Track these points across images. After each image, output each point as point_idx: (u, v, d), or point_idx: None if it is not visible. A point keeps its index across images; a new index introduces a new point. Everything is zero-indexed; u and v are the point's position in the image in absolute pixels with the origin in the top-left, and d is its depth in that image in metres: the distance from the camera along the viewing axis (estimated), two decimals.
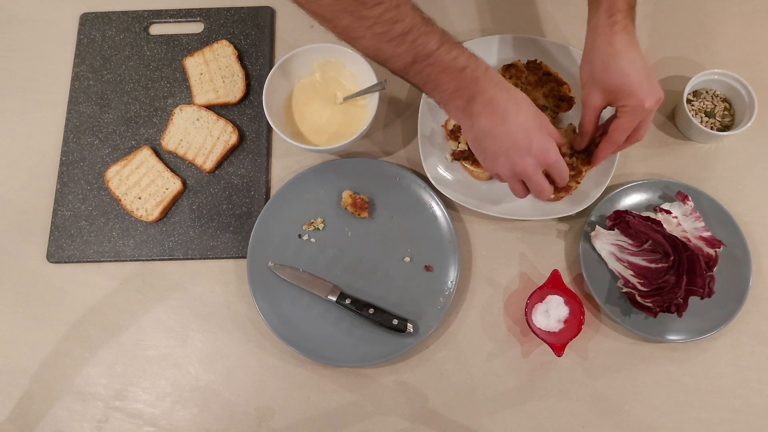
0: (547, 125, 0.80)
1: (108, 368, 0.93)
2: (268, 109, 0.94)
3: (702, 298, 0.85)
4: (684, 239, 0.88)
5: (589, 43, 0.85)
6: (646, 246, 0.88)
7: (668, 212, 0.91)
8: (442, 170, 0.97)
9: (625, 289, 0.89)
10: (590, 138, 0.90)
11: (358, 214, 0.95)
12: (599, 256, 0.92)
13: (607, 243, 0.91)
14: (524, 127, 0.77)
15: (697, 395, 0.88)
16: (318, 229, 0.95)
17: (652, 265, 0.87)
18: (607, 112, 0.90)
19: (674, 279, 0.85)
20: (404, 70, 0.78)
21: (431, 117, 0.99)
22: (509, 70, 0.99)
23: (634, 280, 0.87)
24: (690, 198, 0.92)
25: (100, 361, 0.93)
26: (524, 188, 0.84)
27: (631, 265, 0.88)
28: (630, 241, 0.90)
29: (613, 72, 0.81)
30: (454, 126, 0.96)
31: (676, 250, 0.85)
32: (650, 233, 0.88)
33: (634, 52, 0.81)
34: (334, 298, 0.91)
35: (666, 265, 0.85)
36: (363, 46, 0.77)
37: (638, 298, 0.87)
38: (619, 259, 0.90)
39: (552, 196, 0.89)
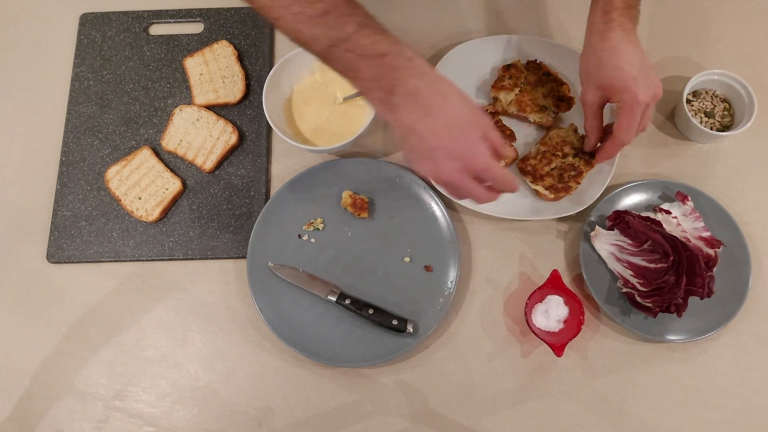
0: (483, 124, 0.72)
1: (108, 368, 0.93)
2: (268, 109, 0.94)
3: (702, 298, 0.85)
4: (684, 239, 0.88)
5: (586, 41, 0.85)
6: (645, 246, 0.88)
7: (668, 212, 0.91)
8: None
9: (624, 290, 0.89)
10: (597, 137, 0.90)
11: (358, 215, 0.95)
12: (599, 256, 0.92)
13: (606, 243, 0.91)
14: (451, 125, 0.69)
15: (697, 395, 0.88)
16: (318, 229, 0.96)
17: (652, 266, 0.87)
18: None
19: (674, 279, 0.85)
20: (324, 55, 0.72)
21: None
22: (509, 70, 0.99)
23: (634, 280, 0.87)
24: (689, 198, 0.92)
25: (100, 361, 0.93)
26: (458, 193, 0.75)
27: (631, 266, 0.88)
28: (629, 241, 0.90)
29: (607, 68, 0.82)
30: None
31: (675, 250, 0.85)
32: (650, 233, 0.88)
33: (629, 48, 0.81)
34: (334, 298, 0.91)
35: (665, 265, 0.85)
36: (284, 29, 0.72)
37: (638, 299, 0.87)
38: (618, 260, 0.90)
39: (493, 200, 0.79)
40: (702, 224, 0.91)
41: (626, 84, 0.80)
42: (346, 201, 0.95)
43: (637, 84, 0.80)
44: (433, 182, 0.77)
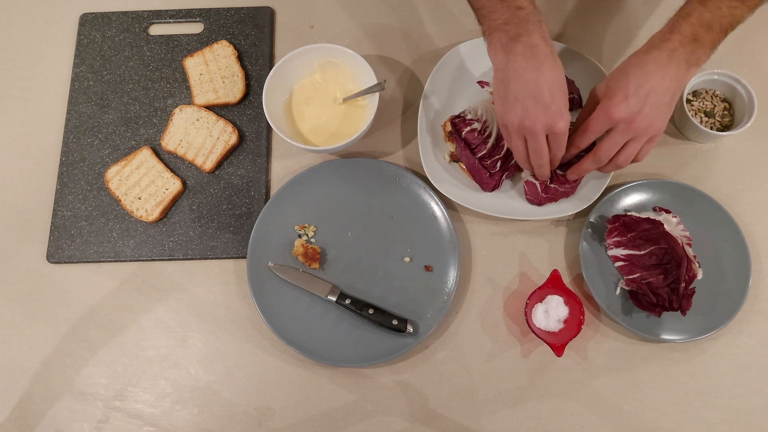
0: (566, 101, 0.79)
1: (108, 368, 0.93)
2: (268, 109, 0.94)
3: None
4: (685, 237, 0.89)
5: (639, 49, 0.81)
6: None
7: (668, 212, 0.91)
8: (441, 170, 0.97)
9: (629, 288, 0.89)
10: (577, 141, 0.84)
11: (309, 265, 0.93)
12: (599, 255, 0.92)
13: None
14: (553, 85, 0.77)
15: (697, 395, 0.88)
16: (308, 235, 0.95)
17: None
18: None
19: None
20: None
21: (431, 118, 0.99)
22: None
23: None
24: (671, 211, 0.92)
25: (100, 361, 0.93)
26: (524, 148, 0.83)
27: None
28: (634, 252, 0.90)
29: (619, 72, 0.79)
30: (452, 128, 0.96)
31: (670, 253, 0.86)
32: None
33: (658, 73, 0.76)
34: (334, 298, 0.91)
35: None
36: None
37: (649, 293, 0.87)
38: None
39: (545, 173, 0.86)
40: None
41: (613, 92, 0.77)
42: (297, 250, 0.93)
43: (622, 100, 0.77)
44: (509, 127, 0.81)
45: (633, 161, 0.84)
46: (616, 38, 1.06)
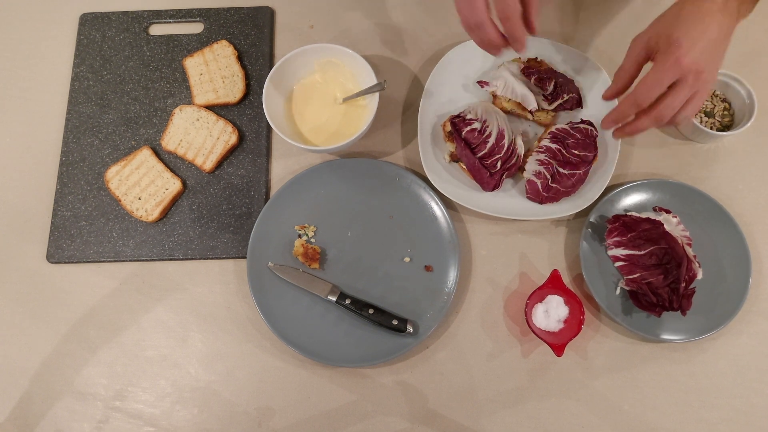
0: None
1: (108, 368, 0.93)
2: (268, 109, 0.94)
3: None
4: (685, 237, 0.89)
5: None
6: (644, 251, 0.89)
7: (668, 211, 0.91)
8: (441, 170, 0.97)
9: (629, 288, 0.89)
10: (620, 86, 0.82)
11: (309, 265, 0.93)
12: (599, 255, 0.92)
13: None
14: None
15: (697, 395, 0.88)
16: (308, 235, 0.95)
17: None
18: None
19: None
20: None
21: (431, 118, 0.99)
22: None
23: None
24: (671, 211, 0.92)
25: (100, 361, 0.93)
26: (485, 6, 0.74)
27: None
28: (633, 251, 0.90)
29: (676, 22, 0.74)
30: (452, 128, 0.96)
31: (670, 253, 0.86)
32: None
33: (714, 24, 0.73)
34: (334, 298, 0.91)
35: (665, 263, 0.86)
36: None
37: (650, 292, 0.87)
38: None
39: (515, 35, 0.78)
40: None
41: (679, 42, 0.72)
42: (297, 250, 0.93)
43: (690, 49, 0.72)
44: None
45: (671, 121, 0.79)
46: (615, 38, 1.06)
